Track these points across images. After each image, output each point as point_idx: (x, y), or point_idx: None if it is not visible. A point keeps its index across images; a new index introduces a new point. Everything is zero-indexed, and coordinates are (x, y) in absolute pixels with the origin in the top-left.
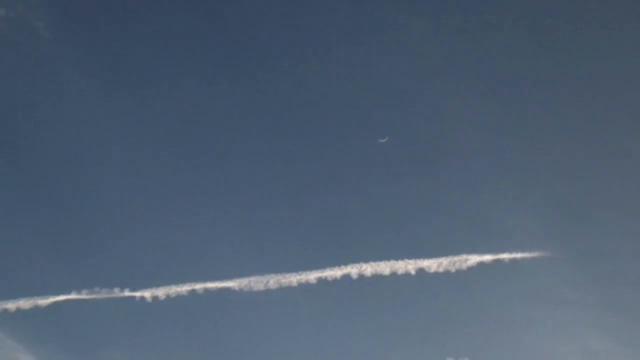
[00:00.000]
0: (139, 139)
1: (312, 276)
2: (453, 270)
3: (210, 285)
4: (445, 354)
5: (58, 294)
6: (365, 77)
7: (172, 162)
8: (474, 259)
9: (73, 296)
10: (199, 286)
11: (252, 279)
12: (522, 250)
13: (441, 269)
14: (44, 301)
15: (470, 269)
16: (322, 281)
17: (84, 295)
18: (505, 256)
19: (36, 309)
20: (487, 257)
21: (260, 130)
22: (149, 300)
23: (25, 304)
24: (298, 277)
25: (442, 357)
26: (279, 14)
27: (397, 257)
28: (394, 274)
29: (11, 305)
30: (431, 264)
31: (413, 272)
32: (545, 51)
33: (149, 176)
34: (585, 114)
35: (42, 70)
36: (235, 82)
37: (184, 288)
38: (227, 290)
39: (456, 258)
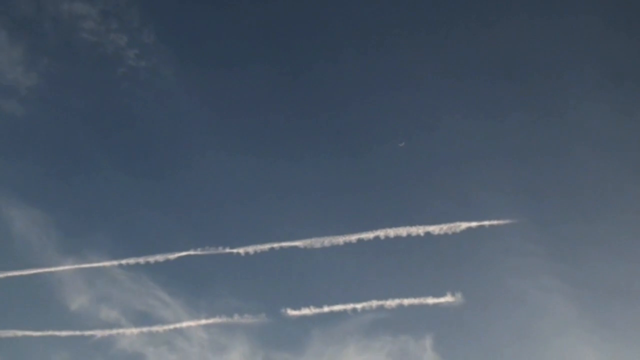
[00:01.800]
0: (234, 138)
1: (353, 237)
2: (450, 233)
3: (284, 244)
4: (445, 290)
5: (181, 250)
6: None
7: (257, 157)
8: (464, 225)
9: (191, 252)
10: (276, 245)
11: (313, 239)
12: (498, 219)
13: (442, 232)
14: (172, 256)
15: (462, 232)
16: (360, 241)
17: (198, 252)
18: (486, 223)
19: (167, 261)
20: (474, 224)
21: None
22: (242, 254)
23: (160, 258)
24: (343, 238)
25: (443, 292)
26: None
27: (411, 224)
28: (409, 236)
29: (150, 259)
30: (435, 229)
31: (422, 234)
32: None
33: (243, 166)
34: (547, 111)
35: (169, 107)
36: None
37: (265, 246)
38: (295, 248)
39: (452, 224)
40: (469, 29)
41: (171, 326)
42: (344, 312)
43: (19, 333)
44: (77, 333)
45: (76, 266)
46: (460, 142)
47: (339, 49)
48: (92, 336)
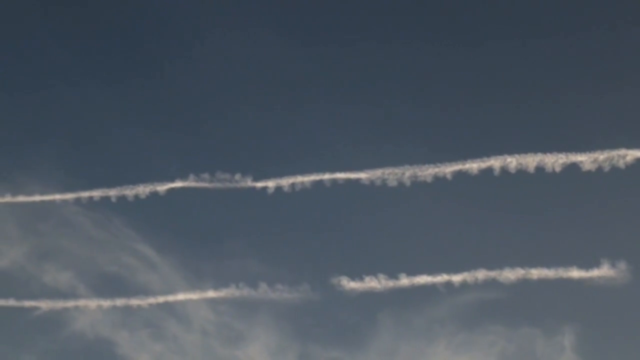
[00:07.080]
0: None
1: (448, 169)
2: (608, 166)
3: (339, 176)
4: (598, 257)
5: (175, 180)
6: None
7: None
8: (632, 154)
9: (190, 183)
10: (325, 177)
11: (384, 170)
12: None
13: (596, 165)
14: (161, 187)
15: (630, 165)
16: (459, 175)
17: (201, 183)
18: None
19: (153, 197)
20: None
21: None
22: (272, 191)
23: (142, 190)
24: (433, 169)
25: (595, 260)
26: None
27: (544, 149)
28: (539, 168)
29: (129, 192)
30: (585, 159)
31: (562, 167)
32: None
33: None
34: None
35: None
36: None
37: (308, 178)
38: (356, 182)
39: (612, 152)
40: None
41: (158, 299)
42: (432, 286)
43: None
44: (10, 303)
45: (6, 200)
46: None
47: None
48: (33, 309)
